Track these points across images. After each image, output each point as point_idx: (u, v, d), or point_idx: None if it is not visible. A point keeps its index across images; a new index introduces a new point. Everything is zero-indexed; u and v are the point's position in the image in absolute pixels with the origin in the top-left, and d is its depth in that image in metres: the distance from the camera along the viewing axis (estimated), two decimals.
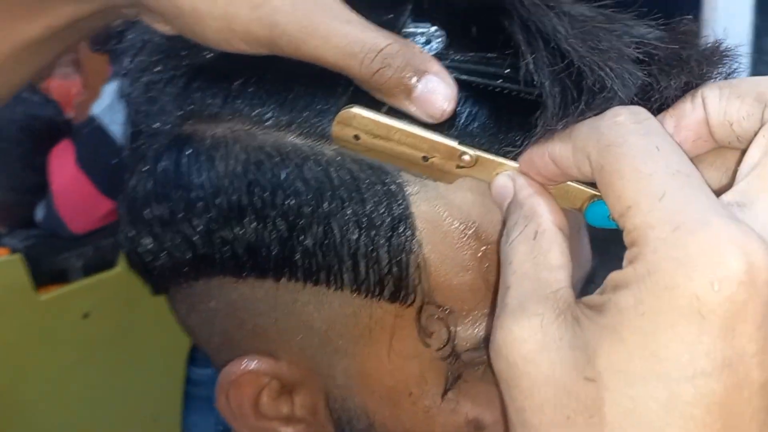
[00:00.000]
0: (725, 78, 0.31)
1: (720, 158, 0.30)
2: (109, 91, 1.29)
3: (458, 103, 0.33)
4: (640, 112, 0.27)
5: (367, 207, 0.34)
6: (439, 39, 0.33)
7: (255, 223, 0.35)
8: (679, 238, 0.23)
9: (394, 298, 0.35)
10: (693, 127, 0.29)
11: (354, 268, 0.34)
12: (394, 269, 0.34)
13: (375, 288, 0.35)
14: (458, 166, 0.32)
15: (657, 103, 0.30)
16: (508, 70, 0.33)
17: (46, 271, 1.33)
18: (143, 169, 0.38)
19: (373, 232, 0.34)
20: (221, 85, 0.36)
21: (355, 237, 0.34)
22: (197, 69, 0.37)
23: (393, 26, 0.33)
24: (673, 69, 0.30)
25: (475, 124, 0.33)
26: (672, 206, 0.24)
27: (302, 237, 0.34)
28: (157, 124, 0.38)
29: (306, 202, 0.34)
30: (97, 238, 1.39)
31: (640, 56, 0.30)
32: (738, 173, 0.27)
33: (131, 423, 1.57)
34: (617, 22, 0.32)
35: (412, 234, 0.34)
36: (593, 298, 0.26)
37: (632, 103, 0.29)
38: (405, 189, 0.34)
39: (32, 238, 1.35)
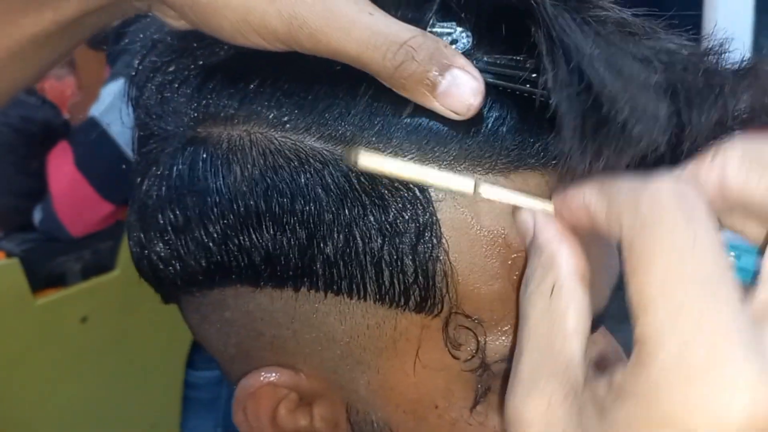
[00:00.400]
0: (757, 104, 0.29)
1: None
2: (109, 92, 1.27)
3: (485, 105, 0.32)
4: (686, 190, 0.25)
5: (391, 213, 0.32)
6: (465, 39, 0.32)
7: (273, 230, 0.33)
8: (688, 364, 0.22)
9: (420, 308, 0.34)
10: (708, 189, 0.27)
11: (377, 277, 0.33)
12: (420, 278, 0.33)
13: (400, 298, 0.33)
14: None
15: (688, 143, 0.29)
16: (535, 74, 0.32)
17: (43, 275, 1.32)
18: (156, 173, 0.36)
19: (397, 240, 0.33)
20: (237, 86, 0.35)
21: (378, 245, 0.33)
22: (211, 69, 0.36)
23: (417, 22, 0.32)
24: (705, 102, 0.28)
25: (504, 128, 0.32)
26: (689, 322, 0.23)
27: (323, 245, 0.33)
28: (171, 127, 0.37)
29: (327, 208, 0.33)
30: (95, 242, 1.39)
31: (666, 84, 0.28)
32: (763, 272, 0.25)
33: (130, 428, 1.56)
34: (645, 36, 0.31)
35: (439, 241, 0.33)
36: (601, 388, 0.25)
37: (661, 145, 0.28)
38: (430, 195, 0.33)
39: (29, 242, 1.34)
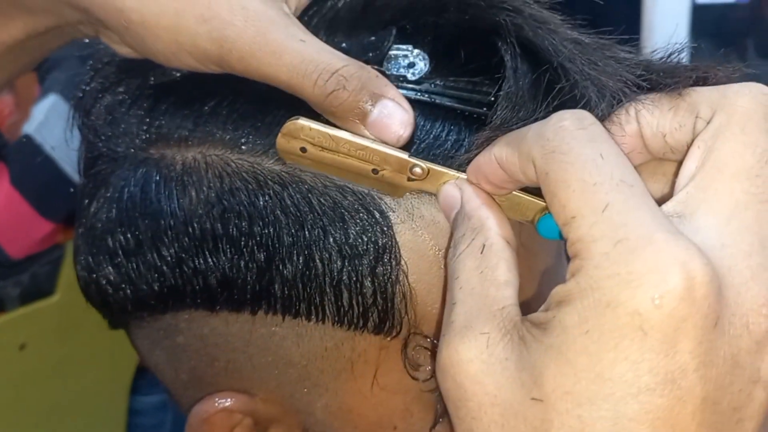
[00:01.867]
0: None
1: (660, 168, 0.30)
2: (40, 109, 1.25)
3: (443, 128, 0.32)
4: (586, 117, 0.27)
5: (351, 235, 0.32)
6: (422, 62, 0.32)
7: (231, 253, 0.33)
8: (621, 254, 0.23)
9: (378, 329, 0.34)
10: (627, 139, 0.29)
11: (336, 299, 0.33)
12: (379, 300, 0.33)
13: (359, 320, 0.33)
14: (409, 179, 0.31)
15: None
16: (492, 98, 0.32)
17: None
18: (106, 195, 0.36)
19: (356, 262, 0.32)
20: (191, 107, 0.34)
21: (338, 267, 0.32)
22: (164, 90, 0.35)
23: (376, 48, 0.32)
24: (678, 77, 0.29)
25: (462, 152, 0.32)
26: (615, 219, 0.24)
27: (282, 267, 0.33)
28: (120, 148, 0.36)
29: (286, 230, 0.32)
30: (34, 266, 1.34)
31: (640, 82, 0.30)
32: (676, 184, 0.27)
33: None
34: (600, 48, 0.32)
35: (398, 264, 0.33)
36: (538, 315, 0.25)
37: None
38: (389, 217, 0.33)
39: None
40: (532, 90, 0.30)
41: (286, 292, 0.33)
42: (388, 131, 0.30)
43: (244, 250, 0.33)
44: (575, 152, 0.25)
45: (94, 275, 0.37)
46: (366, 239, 0.32)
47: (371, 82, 0.30)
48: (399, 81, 0.32)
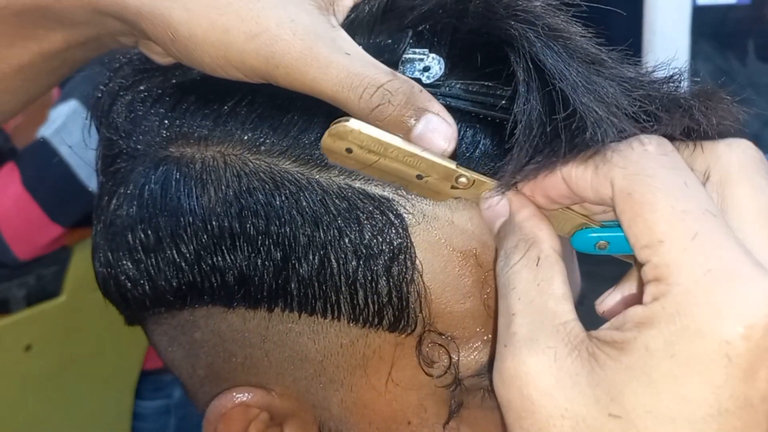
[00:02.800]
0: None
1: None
2: (59, 113, 1.25)
3: (459, 131, 0.33)
4: (666, 143, 0.28)
5: (366, 236, 0.33)
6: (438, 66, 0.33)
7: (248, 251, 0.34)
8: (712, 283, 0.25)
9: (393, 327, 0.34)
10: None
11: (352, 298, 0.34)
12: (394, 299, 0.34)
13: (374, 318, 0.34)
14: (453, 187, 0.32)
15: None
16: (504, 101, 0.33)
17: None
18: (126, 192, 0.36)
19: (372, 262, 0.33)
20: (211, 107, 0.35)
21: (353, 267, 0.33)
22: (185, 89, 0.36)
23: (392, 52, 0.33)
24: (675, 113, 0.30)
25: (477, 153, 0.33)
26: (705, 248, 0.25)
27: (298, 266, 0.33)
28: (141, 146, 0.37)
29: (302, 230, 0.33)
30: (40, 267, 1.34)
31: (641, 100, 0.30)
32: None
33: None
34: (608, 65, 0.32)
35: (413, 263, 0.33)
36: (611, 333, 0.26)
37: None
38: (405, 218, 0.33)
39: None
40: (542, 107, 0.30)
41: (302, 291, 0.34)
42: (432, 146, 0.30)
43: (261, 248, 0.33)
44: (660, 176, 0.27)
45: (113, 271, 0.37)
46: (381, 240, 0.33)
47: (415, 96, 0.30)
48: None
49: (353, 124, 0.30)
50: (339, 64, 0.30)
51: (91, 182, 1.24)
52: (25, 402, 1.36)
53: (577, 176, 0.29)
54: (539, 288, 0.28)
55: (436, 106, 0.31)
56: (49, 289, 1.37)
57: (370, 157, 0.31)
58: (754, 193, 0.28)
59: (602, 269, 0.41)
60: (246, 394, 0.37)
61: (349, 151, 0.31)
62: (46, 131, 1.23)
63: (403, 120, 0.30)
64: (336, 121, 0.31)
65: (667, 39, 1.71)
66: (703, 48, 1.73)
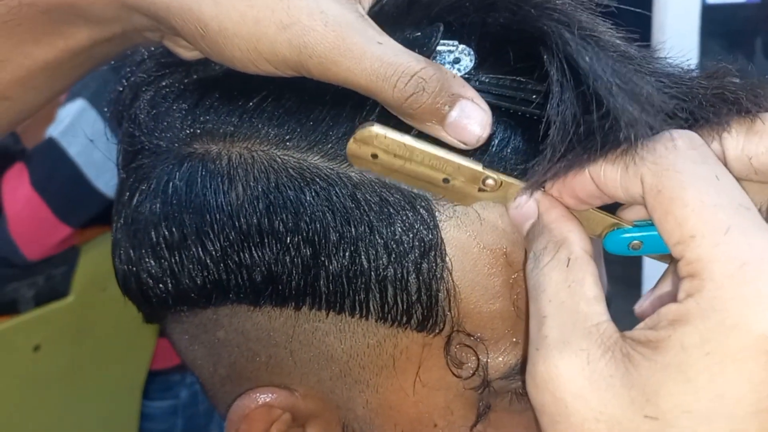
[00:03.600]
0: None
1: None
2: (67, 112, 1.24)
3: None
4: (696, 138, 0.27)
5: (397, 232, 0.32)
6: (469, 58, 0.32)
7: (276, 248, 0.33)
8: (747, 276, 0.24)
9: (422, 327, 0.34)
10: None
11: (381, 295, 0.33)
12: (424, 297, 0.33)
13: (402, 317, 0.33)
14: (480, 189, 0.31)
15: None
16: (535, 96, 0.32)
17: None
18: (149, 189, 0.36)
19: (402, 258, 0.33)
20: (236, 103, 0.34)
21: (383, 263, 0.33)
22: (208, 84, 0.36)
23: (423, 45, 0.32)
24: (722, 108, 0.30)
25: (508, 149, 0.33)
26: (738, 241, 0.24)
27: (328, 263, 0.33)
28: (164, 142, 0.36)
29: (332, 226, 0.32)
30: (49, 267, 1.34)
31: (679, 97, 0.30)
32: None
33: None
34: (643, 61, 0.32)
35: (443, 261, 0.33)
36: (645, 333, 0.26)
37: None
38: (435, 215, 0.33)
39: None
40: (576, 107, 0.30)
41: (331, 288, 0.33)
42: (466, 132, 0.30)
43: (290, 245, 0.33)
44: (690, 171, 0.26)
45: (135, 268, 0.37)
46: (412, 236, 0.32)
47: (449, 83, 0.30)
48: None
49: (378, 128, 0.30)
50: (372, 54, 0.30)
51: (99, 182, 1.24)
52: (34, 402, 1.36)
53: (606, 175, 0.28)
54: (570, 289, 0.28)
55: (470, 92, 0.30)
56: (58, 289, 1.36)
57: (396, 161, 0.31)
58: None
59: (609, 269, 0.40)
60: (269, 395, 0.36)
61: (374, 156, 0.31)
62: (54, 131, 1.23)
63: (438, 107, 0.30)
64: (360, 126, 0.30)
65: (677, 38, 1.70)
66: (712, 47, 1.72)
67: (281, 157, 0.33)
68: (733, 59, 0.31)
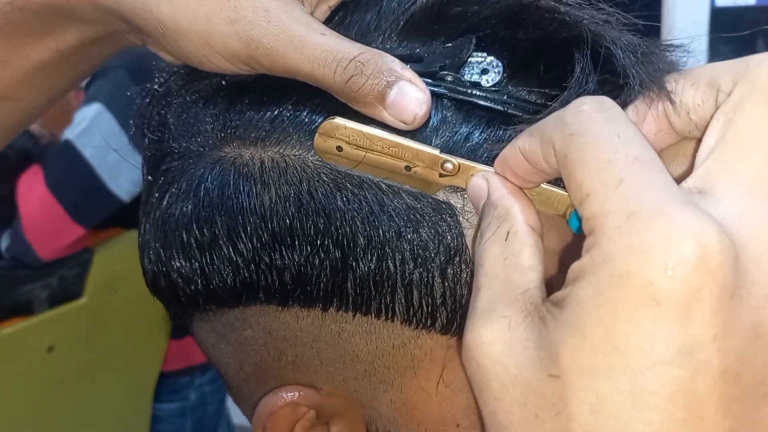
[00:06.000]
0: None
1: (683, 149, 0.30)
2: (84, 116, 1.26)
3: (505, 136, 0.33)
4: (605, 101, 0.27)
5: (423, 237, 0.33)
6: (497, 70, 0.33)
7: (307, 251, 0.34)
8: (633, 225, 0.23)
9: (446, 329, 0.34)
10: (652, 120, 0.29)
11: (407, 299, 0.34)
12: (448, 301, 0.34)
13: (427, 319, 0.34)
14: (441, 175, 0.32)
15: None
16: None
17: (9, 303, 1.29)
18: (180, 191, 0.37)
19: (428, 263, 0.33)
20: (267, 108, 0.35)
21: (410, 268, 0.33)
22: (238, 90, 0.36)
23: (454, 56, 0.33)
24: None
25: None
26: (628, 193, 0.24)
27: (355, 266, 0.34)
28: (194, 146, 0.37)
29: (361, 231, 0.33)
30: (62, 269, 1.36)
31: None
32: (696, 159, 0.27)
33: None
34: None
35: (467, 266, 0.33)
36: (558, 293, 0.25)
37: None
38: (460, 221, 0.33)
39: None
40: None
41: (358, 291, 0.34)
42: (405, 111, 0.31)
43: (321, 247, 0.34)
44: (592, 133, 0.26)
45: (165, 268, 0.37)
46: (437, 242, 0.33)
47: (387, 65, 0.31)
48: (473, 88, 0.33)
49: (339, 120, 0.32)
50: (313, 43, 0.32)
51: (113, 184, 1.26)
52: (47, 401, 1.38)
53: (530, 148, 0.29)
54: (506, 262, 0.28)
55: (408, 73, 0.32)
56: (71, 290, 1.38)
57: (359, 152, 0.32)
58: (764, 119, 0.25)
59: None
60: (296, 393, 0.37)
61: (339, 149, 0.32)
62: (70, 133, 1.25)
63: (376, 88, 0.31)
64: (324, 120, 0.32)
65: (686, 40, 1.71)
66: (721, 49, 1.73)
67: (313, 161, 0.34)
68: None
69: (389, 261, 0.33)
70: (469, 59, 0.33)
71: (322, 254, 0.34)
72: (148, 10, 0.34)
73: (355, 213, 0.33)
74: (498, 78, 0.33)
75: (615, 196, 0.24)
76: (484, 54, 0.33)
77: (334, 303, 0.35)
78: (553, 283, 0.27)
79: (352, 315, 0.35)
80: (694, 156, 0.28)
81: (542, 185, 0.30)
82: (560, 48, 0.32)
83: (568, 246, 0.33)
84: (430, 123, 0.33)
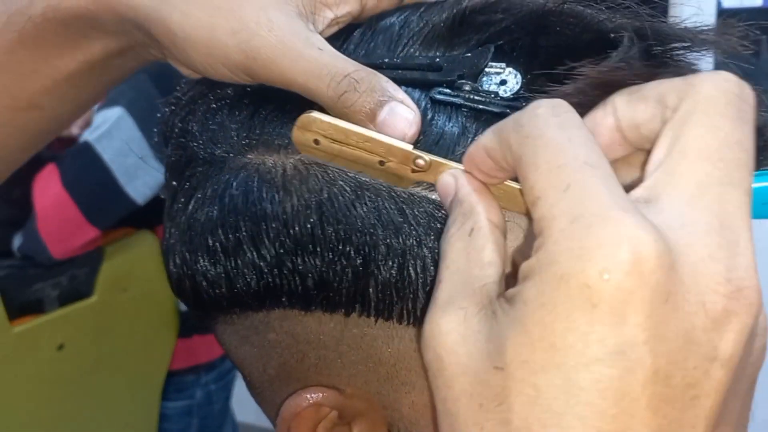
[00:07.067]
0: None
1: (637, 160, 0.30)
2: (104, 118, 1.27)
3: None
4: (561, 105, 0.28)
5: None
6: (515, 80, 0.34)
7: (328, 257, 0.35)
8: (576, 230, 0.24)
9: None
10: (606, 132, 0.30)
11: (428, 304, 0.34)
12: None
13: None
14: (413, 170, 0.33)
15: None
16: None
17: (20, 302, 1.30)
18: (205, 196, 0.37)
19: None
20: (291, 116, 0.36)
21: (431, 274, 0.34)
22: (263, 97, 0.37)
23: (473, 65, 0.33)
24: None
25: None
26: (574, 198, 0.24)
27: (377, 273, 0.34)
28: (218, 151, 0.38)
29: (382, 238, 0.34)
30: (73, 268, 1.36)
31: None
32: (645, 171, 0.28)
33: None
34: None
35: None
36: (510, 290, 0.26)
37: None
38: None
39: (6, 268, 1.31)
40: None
41: (380, 297, 0.35)
42: (394, 130, 0.32)
43: (342, 254, 0.34)
44: (546, 137, 0.26)
45: (190, 272, 0.38)
46: None
47: (381, 84, 0.33)
48: (490, 97, 0.34)
49: (316, 114, 0.33)
50: (310, 56, 0.33)
51: (129, 187, 1.27)
52: (57, 399, 1.38)
53: (491, 147, 0.29)
54: (468, 256, 0.29)
55: (400, 94, 0.33)
56: (82, 289, 1.39)
57: (335, 146, 0.33)
58: (706, 134, 0.26)
59: None
60: (319, 394, 0.38)
61: (316, 142, 0.34)
62: (90, 135, 1.25)
63: (369, 107, 0.32)
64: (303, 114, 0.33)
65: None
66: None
67: (334, 169, 0.35)
68: (750, 64, 0.32)
69: (410, 268, 0.34)
70: (488, 69, 0.34)
71: (344, 261, 0.34)
72: (161, 18, 0.35)
73: (376, 221, 0.34)
74: (516, 88, 0.34)
75: (562, 200, 0.25)
76: (503, 64, 0.34)
77: (356, 308, 0.35)
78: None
79: (374, 320, 0.36)
80: (644, 167, 0.29)
81: (508, 183, 0.31)
82: (583, 52, 0.33)
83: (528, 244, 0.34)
84: (452, 132, 0.34)
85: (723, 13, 1.72)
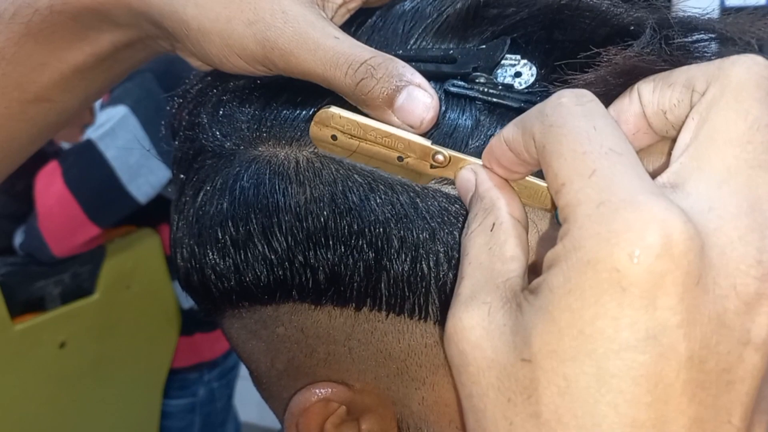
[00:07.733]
0: None
1: (662, 148, 0.30)
2: (108, 116, 1.27)
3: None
4: (585, 94, 0.27)
5: (457, 239, 0.33)
6: (530, 72, 0.33)
7: (341, 250, 0.34)
8: (603, 214, 0.23)
9: None
10: (631, 120, 0.30)
11: (440, 300, 0.34)
12: None
13: None
14: (432, 166, 0.33)
15: None
16: None
17: (22, 299, 1.29)
18: (215, 189, 0.37)
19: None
20: (302, 108, 0.36)
21: (444, 269, 0.34)
22: (273, 89, 0.37)
23: (488, 58, 0.33)
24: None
25: None
26: (600, 183, 0.24)
27: (389, 267, 0.34)
28: (228, 144, 0.37)
29: (395, 232, 0.34)
30: (75, 265, 1.36)
31: None
32: (672, 157, 0.27)
33: None
34: None
35: None
36: (534, 281, 0.26)
37: None
38: None
39: (8, 265, 1.31)
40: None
41: (392, 291, 0.34)
42: (412, 115, 0.32)
43: (355, 248, 0.34)
44: (570, 125, 0.26)
45: (198, 265, 0.38)
46: None
47: (398, 70, 0.32)
48: (505, 90, 0.33)
49: (334, 109, 0.33)
50: (327, 45, 0.33)
51: (132, 186, 1.26)
52: (59, 397, 1.38)
53: (513, 138, 0.29)
54: (490, 251, 0.29)
55: (418, 78, 0.33)
56: (84, 287, 1.39)
57: (353, 142, 0.33)
58: (735, 117, 0.26)
59: None
60: (328, 389, 0.38)
61: (334, 138, 0.33)
62: (93, 134, 1.25)
63: (385, 92, 0.32)
64: (319, 108, 0.33)
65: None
66: (730, 49, 1.73)
67: (347, 163, 0.35)
68: None
69: (423, 262, 0.34)
70: (503, 62, 0.34)
71: (356, 254, 0.34)
72: (174, 11, 0.35)
73: (389, 215, 0.34)
74: (531, 80, 0.34)
75: (588, 185, 0.24)
76: (518, 56, 0.34)
77: (368, 303, 0.35)
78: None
79: (385, 315, 0.35)
80: (670, 154, 0.28)
81: (529, 178, 0.31)
82: (599, 46, 0.32)
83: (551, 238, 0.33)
84: (466, 125, 0.34)
85: (726, 11, 1.72)
